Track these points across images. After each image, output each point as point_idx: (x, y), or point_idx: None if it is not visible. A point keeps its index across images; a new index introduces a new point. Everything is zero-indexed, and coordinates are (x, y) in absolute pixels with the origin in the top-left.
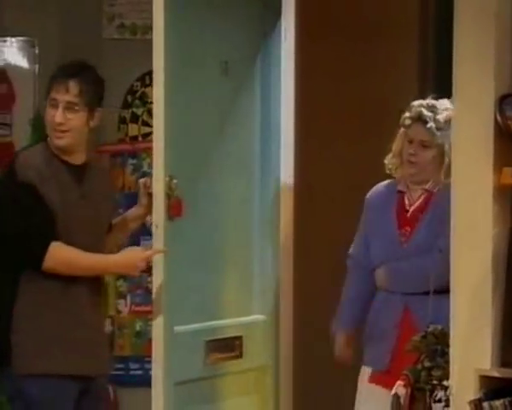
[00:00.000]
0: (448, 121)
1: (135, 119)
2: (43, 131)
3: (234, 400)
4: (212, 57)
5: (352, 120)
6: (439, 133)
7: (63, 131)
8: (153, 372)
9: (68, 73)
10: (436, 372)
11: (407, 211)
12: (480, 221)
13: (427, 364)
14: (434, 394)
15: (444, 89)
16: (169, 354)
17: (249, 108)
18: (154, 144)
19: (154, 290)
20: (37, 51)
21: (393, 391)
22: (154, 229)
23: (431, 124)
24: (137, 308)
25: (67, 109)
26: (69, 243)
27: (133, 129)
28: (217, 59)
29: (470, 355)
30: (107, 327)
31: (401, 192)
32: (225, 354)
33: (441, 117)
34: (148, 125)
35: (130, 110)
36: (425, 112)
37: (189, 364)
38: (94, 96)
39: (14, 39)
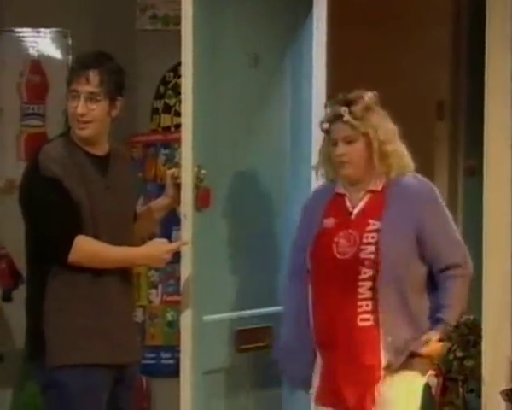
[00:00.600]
0: (366, 108)
1: (167, 109)
2: None
3: (263, 390)
4: (242, 49)
5: (387, 107)
6: (359, 123)
7: (86, 122)
8: (181, 362)
9: (88, 64)
10: (468, 362)
11: (350, 213)
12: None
13: (459, 354)
14: (467, 384)
15: (477, 76)
16: (197, 343)
17: (280, 100)
18: (183, 134)
19: (183, 280)
20: (70, 42)
21: (425, 381)
22: (182, 219)
23: (347, 117)
24: (169, 298)
25: (89, 100)
26: (96, 234)
27: (166, 119)
28: (246, 50)
29: (502, 345)
30: (139, 317)
31: (340, 195)
32: (255, 343)
33: (357, 108)
34: (181, 115)
35: (162, 101)
36: (338, 109)
37: (217, 353)
38: (114, 85)
39: (47, 30)
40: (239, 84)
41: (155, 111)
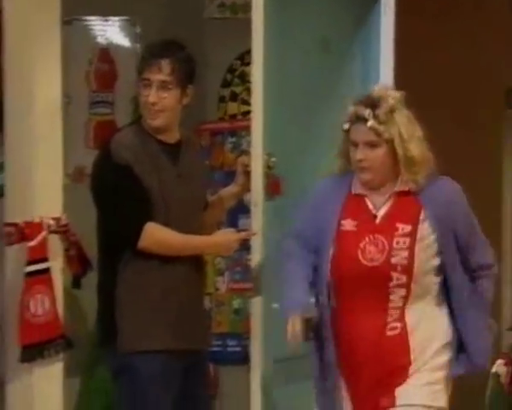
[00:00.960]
0: (390, 110)
1: (234, 97)
2: None
3: None
4: (312, 35)
5: (453, 95)
6: (383, 128)
7: (157, 111)
8: (251, 350)
9: (160, 53)
10: None
11: (374, 216)
12: None
13: None
14: None
15: None
16: (267, 331)
17: (349, 86)
18: (253, 122)
19: (253, 268)
20: (138, 31)
21: (493, 369)
22: (252, 207)
23: (371, 122)
24: (235, 286)
25: (161, 89)
26: (166, 222)
27: (232, 107)
28: (316, 37)
29: None
30: (206, 304)
31: (358, 195)
32: None
33: (381, 111)
34: (247, 103)
35: (229, 89)
36: (362, 110)
37: (286, 341)
38: (185, 74)
39: (116, 19)
40: (309, 71)
41: (222, 99)
